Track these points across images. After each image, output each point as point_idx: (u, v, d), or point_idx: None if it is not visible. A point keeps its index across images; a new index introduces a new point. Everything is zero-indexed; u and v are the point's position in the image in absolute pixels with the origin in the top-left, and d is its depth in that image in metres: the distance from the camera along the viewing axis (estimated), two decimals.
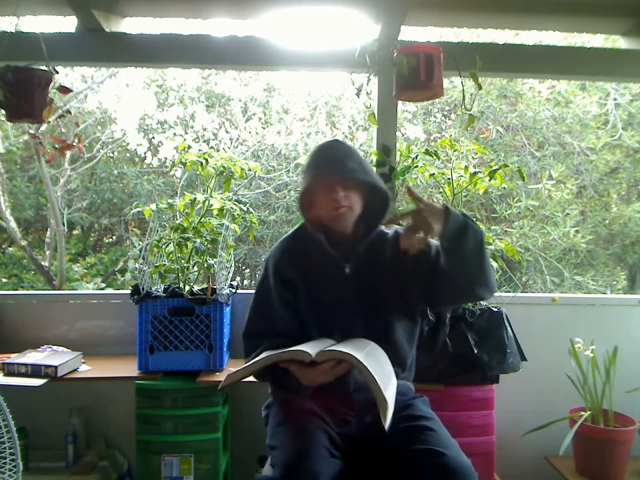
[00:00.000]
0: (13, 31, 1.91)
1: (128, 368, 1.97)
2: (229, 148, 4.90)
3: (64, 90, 1.85)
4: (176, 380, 1.91)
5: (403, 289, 1.45)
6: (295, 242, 1.53)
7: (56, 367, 1.84)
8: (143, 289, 1.94)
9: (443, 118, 5.00)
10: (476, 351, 1.87)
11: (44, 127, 4.28)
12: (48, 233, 4.96)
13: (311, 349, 1.21)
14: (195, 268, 2.08)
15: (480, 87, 1.73)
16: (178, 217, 2.12)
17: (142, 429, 1.87)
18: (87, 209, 5.24)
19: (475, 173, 2.00)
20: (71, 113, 4.31)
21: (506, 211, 4.22)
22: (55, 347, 2.06)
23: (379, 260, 1.47)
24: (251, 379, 1.34)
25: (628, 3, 2.16)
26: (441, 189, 2.12)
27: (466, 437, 1.80)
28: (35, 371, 1.85)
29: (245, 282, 5.06)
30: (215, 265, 2.03)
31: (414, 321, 1.51)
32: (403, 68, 1.71)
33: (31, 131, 4.38)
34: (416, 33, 2.41)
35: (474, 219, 1.36)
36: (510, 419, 2.08)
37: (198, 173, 2.08)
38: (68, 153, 4.33)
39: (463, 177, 2.04)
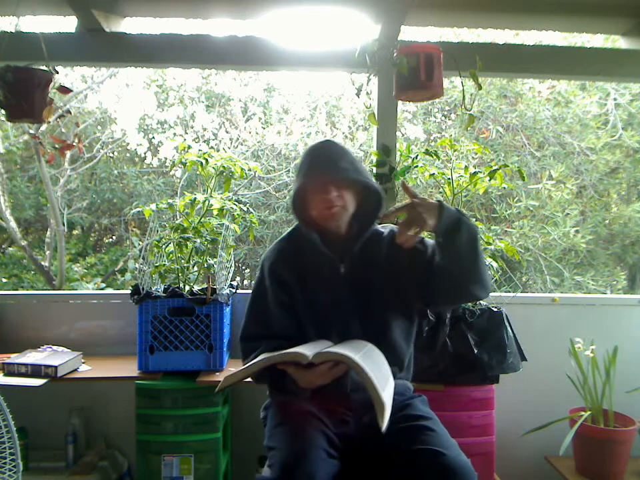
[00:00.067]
0: (13, 30, 1.91)
1: (128, 368, 1.97)
2: (229, 148, 4.90)
3: (64, 90, 1.85)
4: (176, 380, 1.91)
5: (399, 287, 1.45)
6: (290, 243, 1.53)
7: (56, 366, 1.84)
8: (143, 288, 1.94)
9: (443, 118, 5.01)
10: (476, 351, 1.87)
11: (44, 127, 4.28)
12: (48, 233, 4.96)
13: (308, 350, 1.21)
14: (195, 268, 2.08)
15: (480, 87, 1.74)
16: (178, 217, 2.12)
17: (142, 429, 1.87)
18: (87, 209, 5.24)
19: (475, 173, 2.00)
20: (70, 113, 4.31)
21: (506, 211, 4.22)
22: (55, 347, 2.06)
23: (374, 259, 1.47)
24: (250, 379, 1.34)
25: (628, 3, 2.17)
26: (441, 189, 2.12)
27: (466, 437, 1.80)
28: (34, 371, 1.85)
29: (245, 282, 5.06)
30: (215, 265, 2.03)
31: (411, 320, 1.51)
32: (403, 68, 1.71)
33: (31, 131, 4.38)
34: (416, 33, 2.41)
35: (468, 216, 1.36)
36: (510, 419, 2.08)
37: (198, 173, 2.08)
38: (68, 153, 4.33)
39: (463, 176, 2.04)
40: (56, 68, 1.77)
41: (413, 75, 1.72)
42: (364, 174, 1.44)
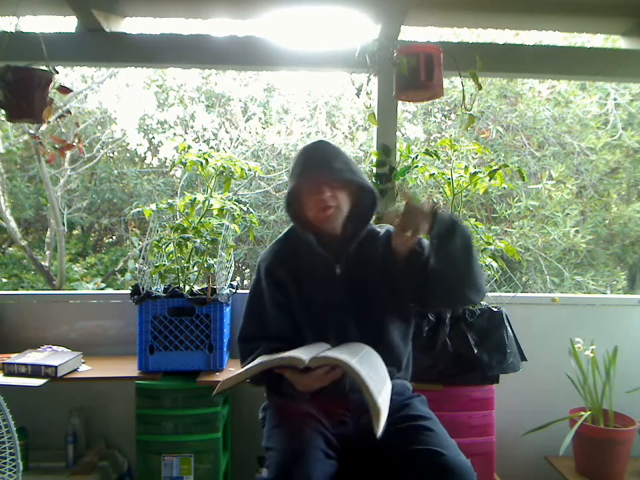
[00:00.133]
0: (13, 30, 1.91)
1: (128, 368, 1.97)
2: (229, 148, 4.90)
3: (64, 90, 1.86)
4: (176, 380, 1.91)
5: (395, 287, 1.45)
6: (286, 244, 1.53)
7: (56, 366, 1.84)
8: (143, 288, 1.94)
9: (443, 118, 5.01)
10: (476, 351, 1.87)
11: (44, 127, 4.28)
12: (48, 233, 4.96)
13: (304, 354, 1.21)
14: (195, 268, 2.08)
15: (480, 87, 1.74)
16: (178, 217, 2.12)
17: (142, 429, 1.87)
18: (87, 209, 5.24)
19: (475, 173, 2.00)
20: (70, 113, 4.31)
21: (506, 211, 4.22)
22: (55, 347, 2.06)
23: (369, 259, 1.47)
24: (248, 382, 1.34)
25: (628, 3, 2.17)
26: (441, 189, 2.12)
27: (466, 437, 1.80)
28: (35, 371, 1.85)
29: (245, 282, 5.05)
30: (215, 265, 2.03)
31: (407, 320, 1.51)
32: (403, 68, 1.71)
33: (31, 131, 4.38)
34: (416, 33, 2.41)
35: (462, 222, 1.36)
36: (510, 419, 2.08)
37: (198, 173, 2.08)
38: (68, 153, 4.33)
39: (463, 177, 2.04)
40: (56, 68, 1.77)
41: (413, 75, 1.72)
42: (358, 174, 1.44)
